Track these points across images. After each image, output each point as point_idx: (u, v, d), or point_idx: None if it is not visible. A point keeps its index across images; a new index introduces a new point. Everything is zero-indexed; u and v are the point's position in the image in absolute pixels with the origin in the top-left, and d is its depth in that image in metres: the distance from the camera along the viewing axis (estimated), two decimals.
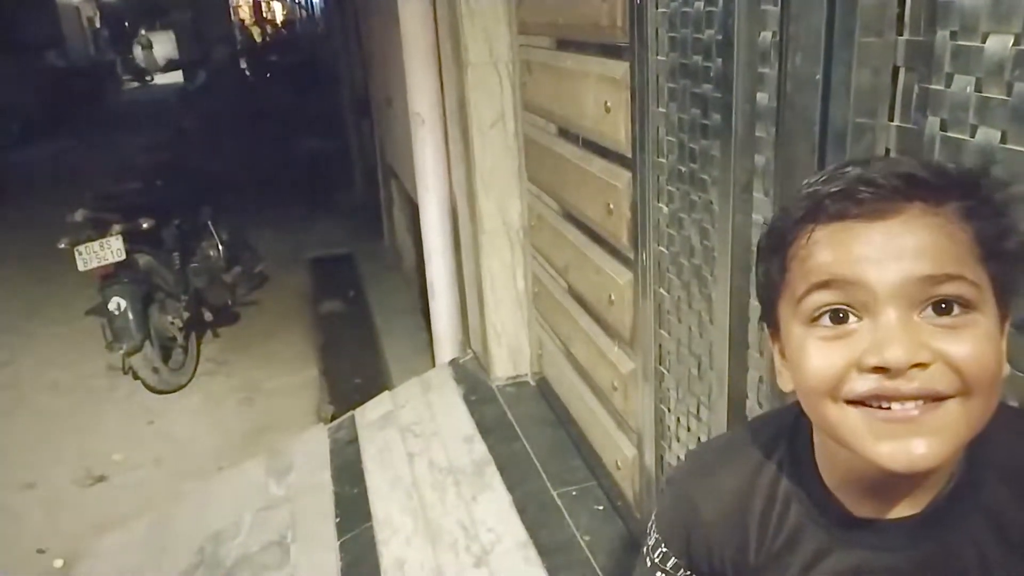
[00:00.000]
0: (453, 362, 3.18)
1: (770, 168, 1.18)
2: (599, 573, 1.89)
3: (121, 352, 3.66)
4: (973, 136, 0.86)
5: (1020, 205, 0.70)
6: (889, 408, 0.58)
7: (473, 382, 2.97)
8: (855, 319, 0.59)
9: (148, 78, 19.72)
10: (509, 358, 2.86)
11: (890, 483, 0.65)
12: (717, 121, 1.28)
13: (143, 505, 3.05)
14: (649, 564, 0.84)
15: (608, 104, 1.66)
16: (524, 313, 2.78)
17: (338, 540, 2.38)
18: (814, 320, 0.61)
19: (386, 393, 3.16)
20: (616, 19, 1.57)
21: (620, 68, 1.59)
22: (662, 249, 1.60)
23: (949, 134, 0.89)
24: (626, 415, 1.91)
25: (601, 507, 2.12)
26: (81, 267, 3.57)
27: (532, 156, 2.40)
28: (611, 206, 1.74)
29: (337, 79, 7.47)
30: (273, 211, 6.91)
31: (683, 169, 1.48)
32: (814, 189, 0.62)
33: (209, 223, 4.72)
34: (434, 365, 3.39)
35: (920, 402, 0.57)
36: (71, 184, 5.36)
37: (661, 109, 1.52)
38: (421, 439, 2.70)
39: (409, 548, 2.21)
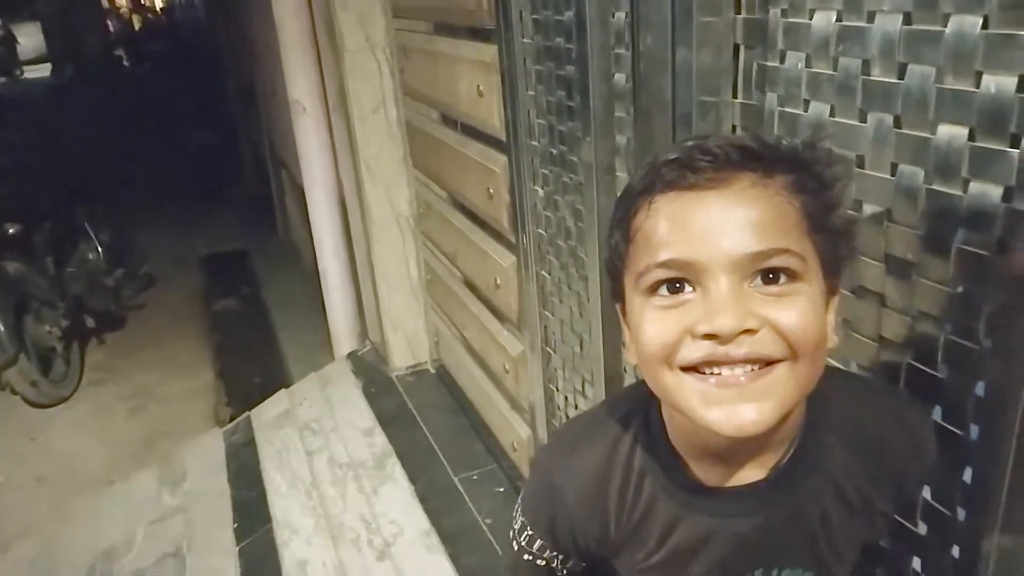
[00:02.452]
0: (352, 354, 3.13)
1: (630, 148, 1.20)
2: (501, 554, 1.91)
3: None
4: (806, 111, 0.89)
5: (846, 181, 0.73)
6: (720, 374, 0.61)
7: (372, 374, 2.93)
8: (690, 289, 0.62)
9: (17, 72, 18.37)
10: (407, 347, 2.83)
11: (732, 450, 0.69)
12: (579, 102, 1.29)
13: (28, 526, 2.87)
14: (516, 548, 0.86)
15: (480, 88, 1.65)
16: (419, 301, 2.76)
17: (236, 545, 2.31)
18: (652, 291, 0.63)
19: (283, 391, 3.07)
20: (483, 1, 1.56)
21: (489, 51, 1.58)
22: (541, 231, 1.61)
23: (786, 109, 0.93)
24: (518, 396, 1.93)
25: (502, 489, 2.13)
26: None
27: (416, 142, 2.37)
28: (491, 190, 1.74)
29: (221, 67, 7.16)
30: (160, 208, 6.59)
31: (554, 151, 1.49)
32: (653, 159, 0.65)
33: (86, 224, 4.43)
34: (333, 359, 3.33)
35: (749, 368, 0.60)
36: None
37: (530, 92, 1.52)
38: (320, 436, 2.65)
39: (310, 548, 2.16)
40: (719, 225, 0.60)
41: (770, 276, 0.60)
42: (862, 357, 0.87)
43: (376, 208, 2.61)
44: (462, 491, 2.17)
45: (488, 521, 2.02)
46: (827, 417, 0.71)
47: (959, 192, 0.72)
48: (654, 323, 0.63)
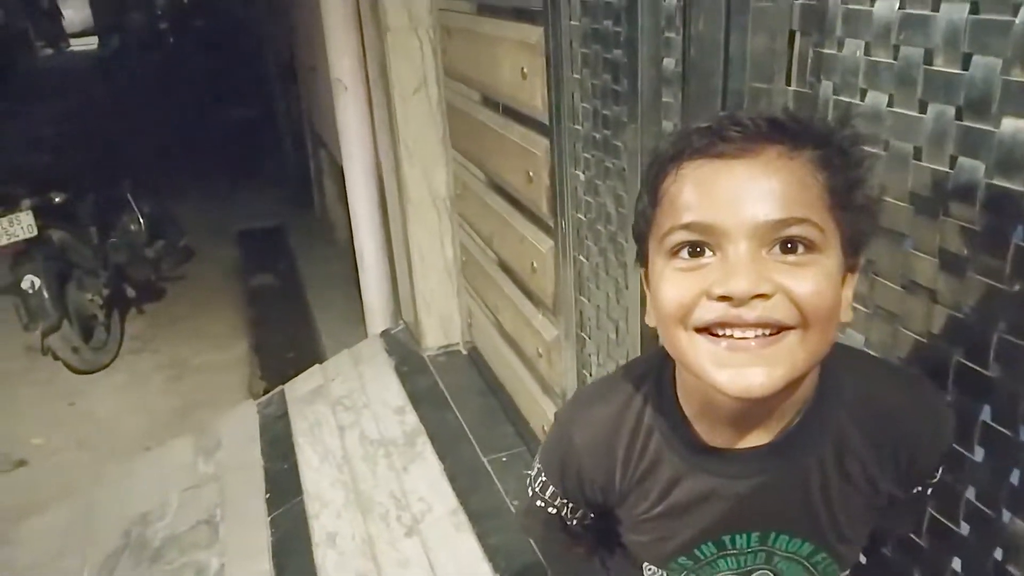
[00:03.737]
0: (384, 333, 3.16)
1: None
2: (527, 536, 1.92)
3: (38, 332, 3.50)
4: (863, 99, 0.88)
5: (872, 161, 0.74)
6: (732, 336, 0.62)
7: (404, 353, 2.95)
8: (710, 253, 0.63)
9: (64, 44, 18.67)
10: (440, 327, 2.85)
11: (739, 413, 0.71)
12: (626, 87, 1.28)
13: (65, 489, 2.95)
14: (531, 494, 0.91)
15: (524, 70, 1.64)
16: (453, 282, 2.77)
17: (268, 516, 2.35)
18: (674, 253, 0.65)
19: (316, 367, 3.11)
20: None
21: (535, 33, 1.57)
22: (580, 216, 1.61)
23: (841, 97, 0.91)
24: (551, 381, 1.93)
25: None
26: None
27: (456, 123, 2.37)
28: (531, 174, 1.74)
29: (263, 45, 7.21)
30: (199, 182, 6.67)
31: (597, 136, 1.48)
32: (688, 127, 0.68)
33: (129, 196, 4.51)
34: (367, 336, 3.36)
35: (760, 332, 0.62)
36: None
37: (575, 75, 1.51)
38: (352, 412, 2.68)
39: (340, 521, 2.20)
40: (743, 192, 0.62)
41: (788, 245, 0.62)
42: (910, 352, 0.86)
43: (413, 188, 2.62)
44: (491, 471, 2.19)
45: (515, 502, 2.03)
46: (838, 390, 0.72)
47: (1021, 188, 0.70)
48: (673, 284, 0.65)
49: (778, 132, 0.64)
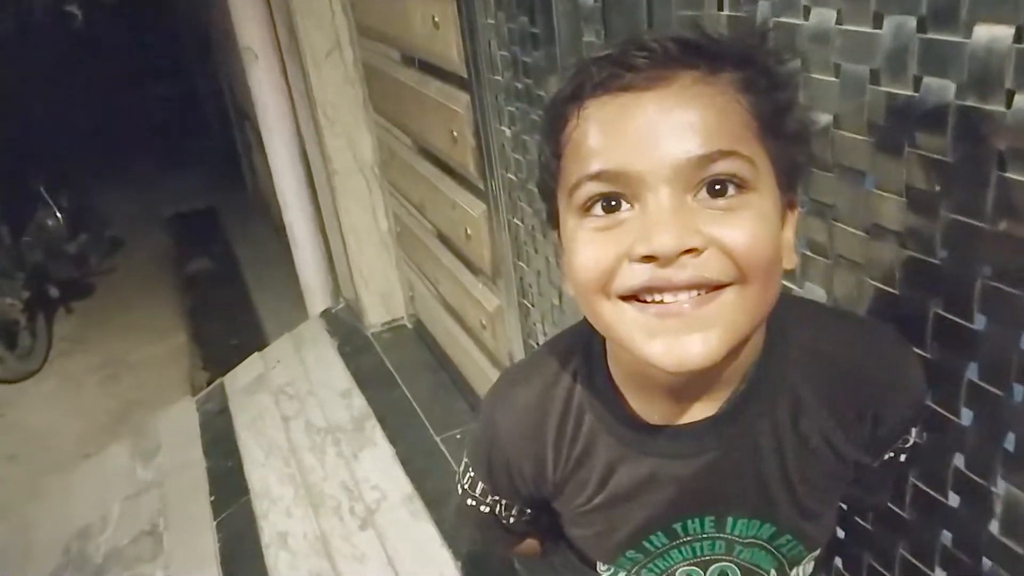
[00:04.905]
0: (325, 313, 3.01)
1: None
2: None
3: None
4: (807, 19, 0.76)
5: (797, 80, 0.65)
6: (661, 302, 0.54)
7: (347, 332, 2.81)
8: (627, 207, 0.55)
9: None
10: (381, 303, 2.71)
11: (679, 385, 0.63)
12: (542, 28, 1.14)
13: (0, 508, 2.78)
14: (460, 492, 0.82)
15: (436, 19, 1.49)
16: (391, 254, 2.62)
17: (214, 520, 2.22)
18: (586, 210, 0.56)
19: (256, 354, 2.95)
20: None
21: None
22: (511, 176, 1.48)
23: (782, 19, 0.79)
24: (497, 353, 1.82)
25: None
26: None
27: (375, 85, 2.20)
28: (455, 133, 1.59)
29: (178, 16, 6.81)
30: (121, 168, 6.33)
31: (519, 86, 1.34)
32: (585, 60, 0.57)
33: (42, 189, 4.23)
34: (308, 318, 3.21)
35: (694, 293, 0.54)
36: None
37: (489, 20, 1.37)
38: (296, 400, 2.54)
39: (290, 519, 2.08)
40: (657, 129, 0.53)
41: (716, 187, 0.53)
42: (880, 306, 0.76)
43: (338, 157, 2.45)
44: (445, 451, 2.08)
45: None
46: (787, 349, 0.64)
47: (999, 108, 0.59)
48: (588, 247, 0.56)
49: (691, 54, 0.55)
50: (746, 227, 0.53)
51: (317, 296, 3.09)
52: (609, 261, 0.55)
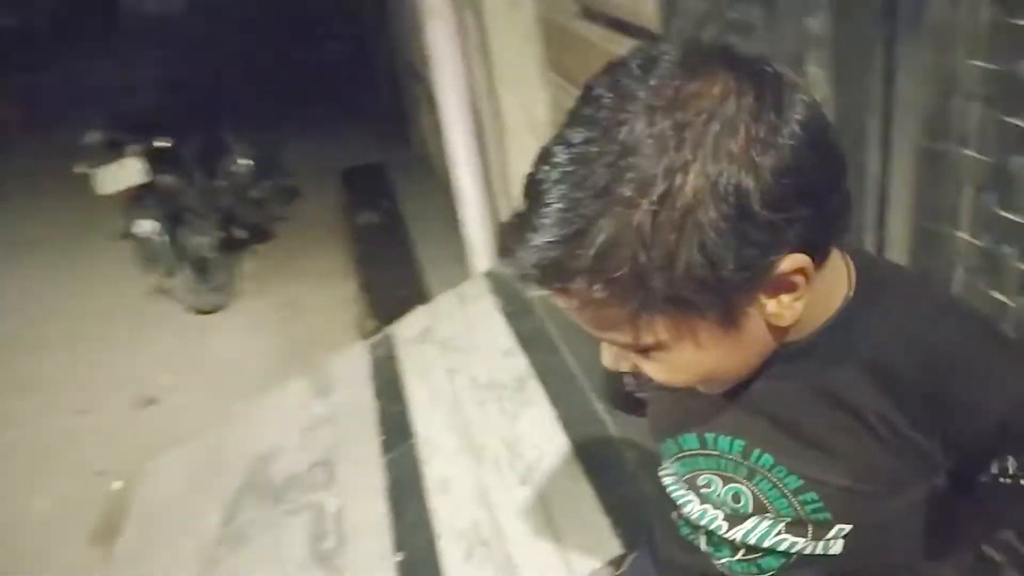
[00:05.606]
0: (489, 273, 3.06)
1: (826, 35, 0.97)
2: (648, 489, 1.81)
3: (157, 275, 3.63)
4: None
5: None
6: None
7: (510, 293, 2.85)
8: None
9: None
10: None
11: None
12: None
13: (194, 426, 3.08)
14: None
15: None
16: None
17: (383, 457, 2.35)
18: None
19: (422, 307, 3.07)
20: None
21: None
22: None
23: None
24: None
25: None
26: (99, 191, 3.49)
27: (553, 42, 2.17)
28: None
29: None
30: (298, 121, 6.70)
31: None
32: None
33: (231, 138, 4.57)
34: (470, 274, 3.29)
35: None
36: (88, 105, 5.21)
37: None
38: (460, 354, 2.62)
39: (453, 466, 2.16)
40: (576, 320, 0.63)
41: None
42: None
43: (510, 115, 2.46)
44: (605, 420, 2.07)
45: (633, 453, 1.91)
46: (870, 320, 0.66)
47: None
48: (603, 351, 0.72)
49: (546, 280, 0.58)
50: (659, 370, 0.64)
51: (480, 254, 3.15)
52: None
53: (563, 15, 2.05)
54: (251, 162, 4.55)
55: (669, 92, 0.54)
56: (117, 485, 2.88)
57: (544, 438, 2.10)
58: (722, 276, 0.55)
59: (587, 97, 0.57)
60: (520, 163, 2.51)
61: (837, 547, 0.72)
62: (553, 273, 0.57)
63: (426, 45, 2.77)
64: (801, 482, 0.70)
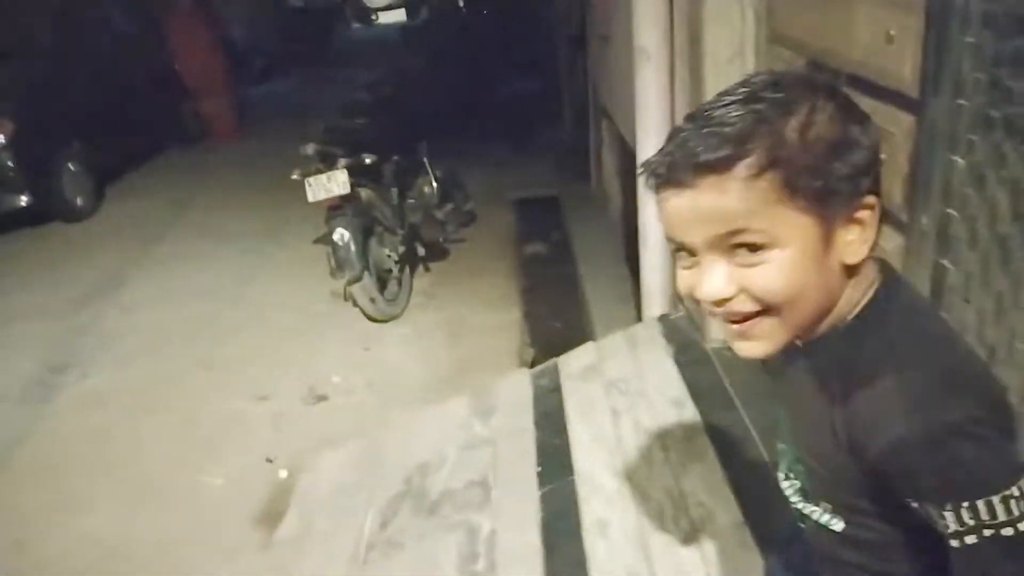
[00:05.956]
0: (663, 318, 3.01)
1: None
2: None
3: (343, 280, 3.86)
4: None
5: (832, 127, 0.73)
6: (726, 322, 0.79)
7: (684, 342, 2.79)
8: (695, 257, 0.78)
9: (373, 17, 20.66)
10: None
11: None
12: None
13: (359, 427, 3.23)
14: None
15: (891, 32, 1.37)
16: None
17: (539, 490, 2.35)
18: (676, 252, 0.81)
19: (590, 344, 3.06)
20: None
21: None
22: (951, 212, 1.32)
23: None
24: None
25: None
26: (310, 198, 3.78)
27: None
28: (882, 156, 1.46)
29: (552, 16, 7.32)
30: (482, 149, 6.99)
31: (994, 114, 1.18)
32: (647, 161, 0.79)
33: (425, 160, 4.83)
34: (639, 318, 3.24)
35: (741, 319, 0.77)
36: (303, 118, 5.71)
37: (969, 38, 1.22)
38: (626, 397, 2.59)
39: (612, 510, 2.12)
40: (688, 218, 0.75)
41: (745, 248, 0.73)
42: None
43: None
44: (781, 487, 1.96)
45: None
46: (854, 348, 0.78)
47: None
48: (681, 278, 0.81)
49: (703, 170, 0.72)
50: (765, 278, 0.74)
51: (656, 299, 3.11)
52: (689, 291, 0.79)
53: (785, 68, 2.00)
54: (438, 184, 4.78)
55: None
56: (284, 474, 3.06)
57: (711, 497, 2.02)
58: (836, 181, 0.72)
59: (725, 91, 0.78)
60: None
61: (838, 524, 0.85)
62: (718, 160, 0.72)
63: (636, 88, 2.79)
64: (796, 452, 0.89)
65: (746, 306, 0.75)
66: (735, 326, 0.77)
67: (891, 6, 1.41)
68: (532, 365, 3.49)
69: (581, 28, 5.65)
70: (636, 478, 2.19)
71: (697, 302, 0.79)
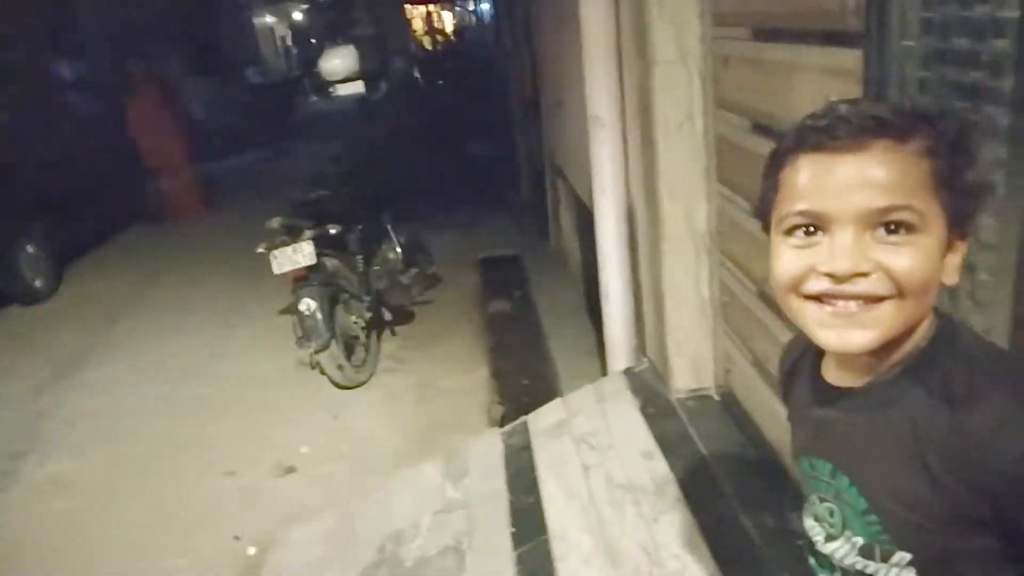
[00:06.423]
0: (628, 371, 3.07)
1: None
2: None
3: (310, 350, 3.85)
4: None
5: (980, 144, 0.82)
6: (835, 305, 0.75)
7: (650, 393, 2.84)
8: (820, 234, 0.75)
9: (331, 90, 21.05)
10: (690, 370, 2.70)
11: (844, 358, 0.83)
12: (989, 118, 1.08)
13: (329, 498, 3.18)
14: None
15: (831, 99, 1.47)
16: (709, 323, 2.62)
17: (514, 551, 2.34)
18: (790, 232, 0.77)
19: (558, 400, 3.10)
20: (848, 0, 1.39)
21: (850, 58, 1.40)
22: None
23: None
24: None
25: (802, 543, 1.91)
26: (276, 270, 3.80)
27: (725, 156, 2.24)
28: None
29: (506, 83, 7.56)
30: (445, 213, 7.10)
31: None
32: (804, 123, 0.77)
33: (389, 227, 4.89)
34: (604, 370, 3.30)
35: (861, 302, 0.73)
36: (267, 192, 5.76)
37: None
38: (596, 451, 2.62)
39: (588, 568, 2.12)
40: (850, 184, 0.72)
41: (891, 228, 0.72)
42: None
43: (671, 223, 2.52)
44: (754, 537, 2.00)
45: None
46: (930, 374, 0.76)
47: None
48: (787, 259, 0.77)
49: (884, 128, 0.72)
50: (908, 259, 0.71)
51: (620, 352, 3.17)
52: (801, 271, 0.76)
53: (737, 132, 2.12)
54: (402, 249, 4.83)
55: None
56: (252, 551, 2.99)
57: (686, 549, 2.04)
58: (967, 191, 0.74)
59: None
60: (676, 268, 2.55)
61: (905, 574, 0.80)
62: (902, 122, 0.72)
63: (591, 153, 2.91)
64: (867, 504, 0.81)
65: (876, 287, 0.72)
66: (850, 306, 0.73)
67: (832, 76, 1.51)
68: (502, 423, 3.50)
69: (535, 94, 5.85)
70: (610, 534, 2.20)
71: (795, 289, 0.76)
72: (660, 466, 2.41)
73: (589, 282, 3.99)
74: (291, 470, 3.53)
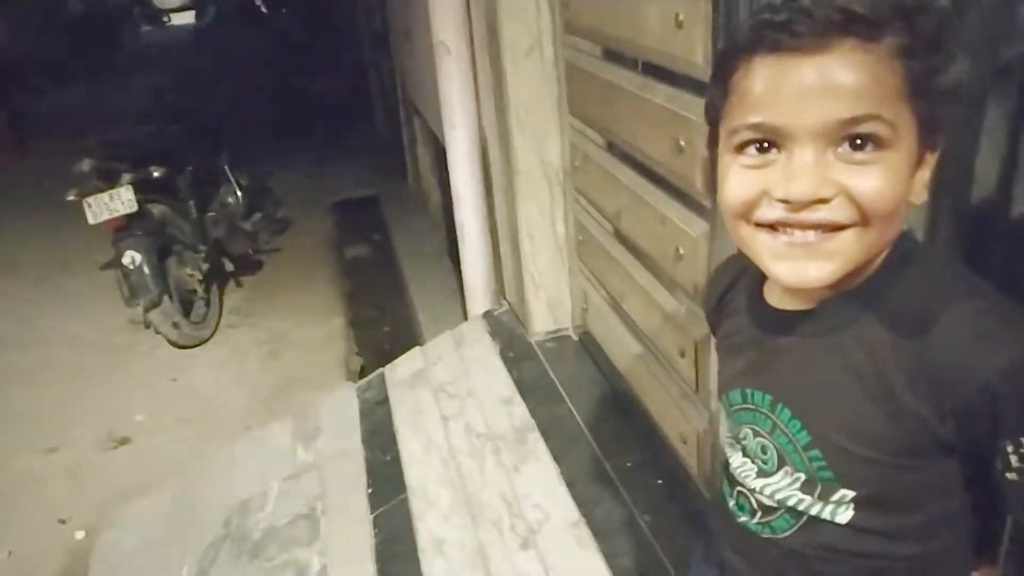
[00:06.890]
0: (487, 314, 2.95)
1: None
2: (663, 558, 1.69)
3: (139, 307, 3.48)
4: None
5: (955, 41, 0.66)
6: (792, 234, 0.66)
7: (509, 336, 2.74)
8: (776, 152, 0.66)
9: (165, 19, 19.19)
10: (548, 311, 2.62)
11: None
12: None
13: (168, 469, 2.91)
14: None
15: (680, 17, 1.36)
16: (565, 262, 2.53)
17: (371, 514, 2.20)
18: (741, 149, 0.68)
19: (416, 348, 2.95)
20: None
21: None
22: None
23: None
24: (692, 383, 1.67)
25: (661, 481, 1.90)
26: (91, 220, 3.36)
27: (576, 86, 2.10)
28: (681, 143, 1.46)
29: (354, 13, 7.08)
30: (293, 154, 6.64)
31: None
32: (759, 18, 0.65)
33: (226, 168, 4.47)
34: (465, 315, 3.18)
35: (820, 231, 0.65)
36: (89, 132, 5.10)
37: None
38: (456, 400, 2.50)
39: (448, 525, 2.02)
40: (812, 92, 0.62)
41: (857, 143, 0.63)
42: None
43: (523, 158, 2.38)
44: (614, 479, 1.95)
45: (647, 518, 1.79)
46: (887, 291, 0.70)
47: None
48: (737, 181, 0.68)
49: (853, 23, 0.61)
50: (875, 180, 0.63)
51: (480, 296, 3.05)
52: (752, 195, 0.67)
53: (588, 60, 1.99)
54: (243, 193, 4.44)
55: None
56: (80, 535, 2.70)
57: (547, 497, 1.97)
58: (942, 97, 0.65)
59: None
60: (531, 206, 2.43)
61: (845, 515, 0.75)
62: (873, 17, 0.62)
63: (439, 83, 2.70)
64: (809, 438, 0.75)
65: (836, 214, 0.64)
66: (807, 236, 0.65)
67: None
68: (361, 375, 3.33)
69: (384, 24, 5.49)
70: (470, 487, 2.10)
71: (745, 216, 0.68)
72: (520, 411, 2.33)
73: (450, 223, 3.83)
74: (124, 442, 3.21)
